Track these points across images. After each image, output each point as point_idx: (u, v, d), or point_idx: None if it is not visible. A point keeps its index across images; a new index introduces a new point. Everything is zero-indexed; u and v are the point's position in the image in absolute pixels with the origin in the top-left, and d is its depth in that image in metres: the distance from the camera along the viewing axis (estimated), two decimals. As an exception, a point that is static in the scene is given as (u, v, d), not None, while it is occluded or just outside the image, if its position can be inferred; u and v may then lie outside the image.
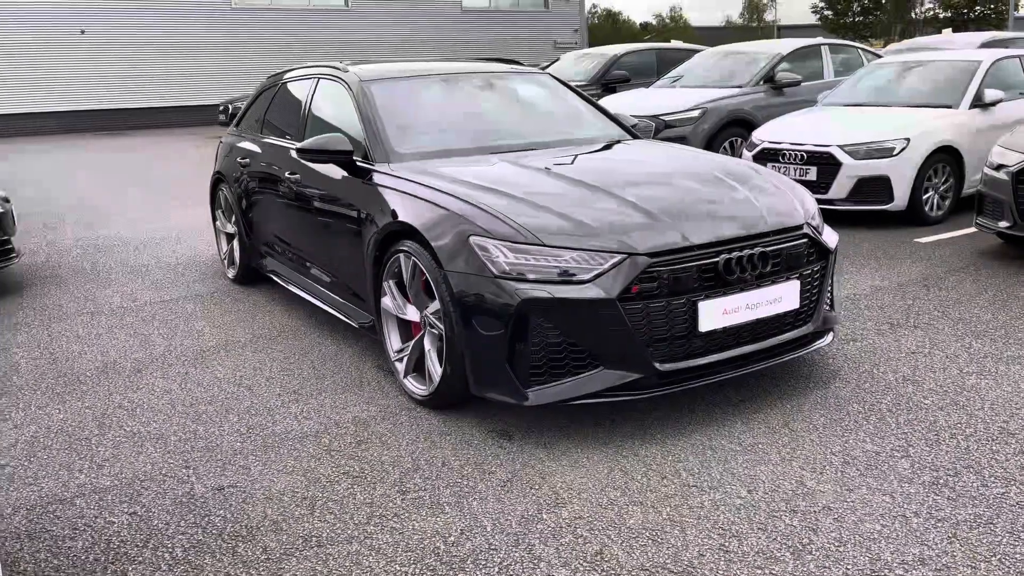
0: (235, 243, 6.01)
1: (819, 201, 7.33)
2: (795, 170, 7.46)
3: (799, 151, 7.45)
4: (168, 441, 3.51)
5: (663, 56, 12.22)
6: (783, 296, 3.50)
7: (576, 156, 4.29)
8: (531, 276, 3.21)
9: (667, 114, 8.97)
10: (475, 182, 3.72)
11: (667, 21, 64.66)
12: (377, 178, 4.06)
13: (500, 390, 3.33)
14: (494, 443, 3.35)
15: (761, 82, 9.45)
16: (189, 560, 2.62)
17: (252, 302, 5.62)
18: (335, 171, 4.38)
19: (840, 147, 7.21)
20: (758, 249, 3.42)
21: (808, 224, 3.70)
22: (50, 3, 23.88)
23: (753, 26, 58.12)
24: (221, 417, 3.73)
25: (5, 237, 6.01)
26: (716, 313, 3.31)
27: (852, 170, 7.14)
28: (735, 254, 3.36)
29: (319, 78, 5.13)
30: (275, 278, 5.47)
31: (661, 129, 8.93)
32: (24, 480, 3.20)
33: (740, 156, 8.15)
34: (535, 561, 2.55)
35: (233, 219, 5.95)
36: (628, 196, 3.56)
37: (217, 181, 6.25)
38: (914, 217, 7.21)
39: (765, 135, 7.91)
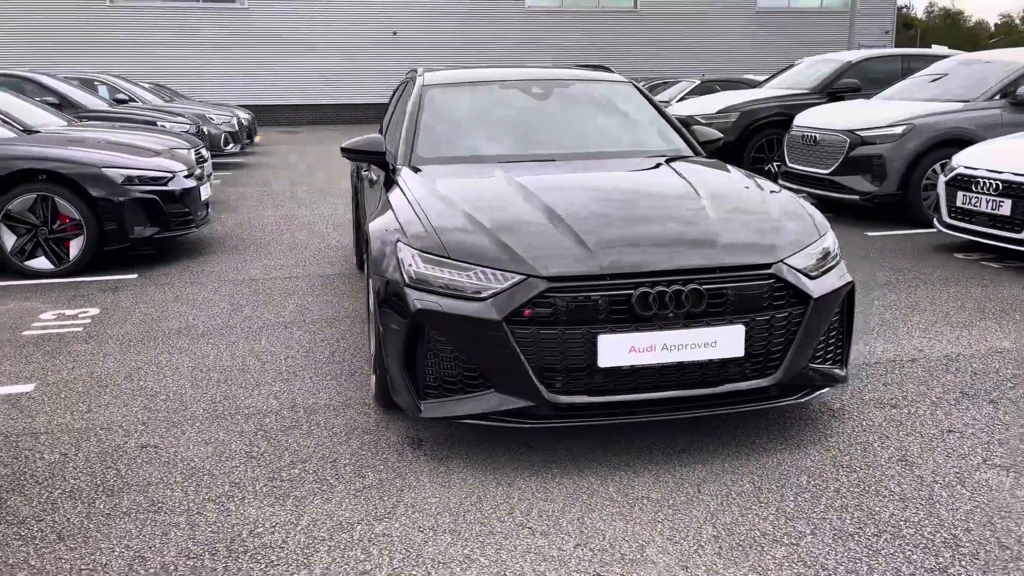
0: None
1: (1010, 241, 6.23)
2: (987, 202, 6.36)
3: (995, 180, 6.33)
4: (156, 399, 3.97)
5: (911, 63, 10.84)
6: (720, 341, 3.09)
7: (579, 172, 4.12)
8: (432, 288, 3.18)
9: (864, 129, 8.02)
10: (443, 191, 3.73)
11: (1018, 23, 56.25)
12: (393, 180, 4.21)
13: (401, 398, 3.34)
14: (397, 449, 3.37)
15: (997, 96, 8.08)
16: (53, 502, 2.99)
17: (353, 286, 6.05)
18: (379, 171, 4.60)
19: (1043, 178, 6.02)
20: (691, 286, 3.06)
21: (786, 264, 3.22)
22: (367, 9, 26.95)
23: None
24: (215, 386, 4.13)
25: (186, 210, 7.03)
26: (620, 349, 3.02)
27: (1054, 206, 5.93)
28: (658, 288, 3.04)
29: (408, 81, 5.38)
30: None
31: (857, 145, 8.04)
32: (28, 411, 3.82)
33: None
34: (301, 566, 2.57)
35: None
36: (573, 220, 3.35)
37: (352, 176, 6.80)
38: None
39: (964, 159, 6.81)
